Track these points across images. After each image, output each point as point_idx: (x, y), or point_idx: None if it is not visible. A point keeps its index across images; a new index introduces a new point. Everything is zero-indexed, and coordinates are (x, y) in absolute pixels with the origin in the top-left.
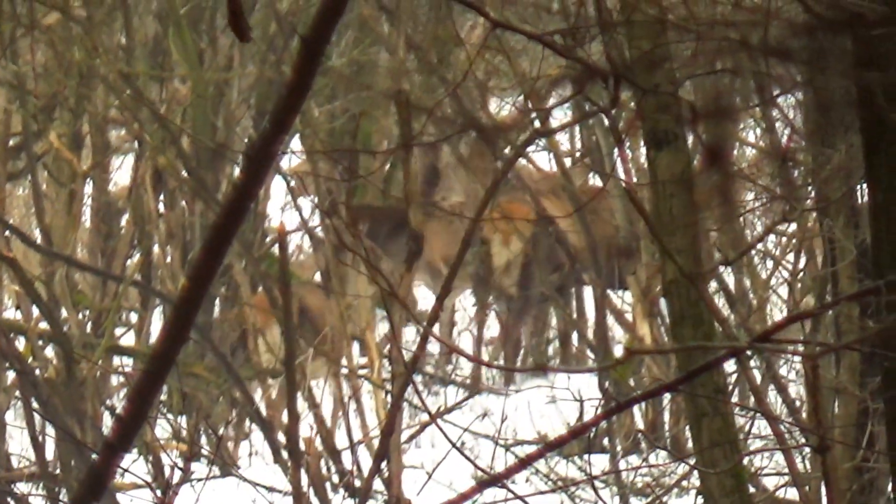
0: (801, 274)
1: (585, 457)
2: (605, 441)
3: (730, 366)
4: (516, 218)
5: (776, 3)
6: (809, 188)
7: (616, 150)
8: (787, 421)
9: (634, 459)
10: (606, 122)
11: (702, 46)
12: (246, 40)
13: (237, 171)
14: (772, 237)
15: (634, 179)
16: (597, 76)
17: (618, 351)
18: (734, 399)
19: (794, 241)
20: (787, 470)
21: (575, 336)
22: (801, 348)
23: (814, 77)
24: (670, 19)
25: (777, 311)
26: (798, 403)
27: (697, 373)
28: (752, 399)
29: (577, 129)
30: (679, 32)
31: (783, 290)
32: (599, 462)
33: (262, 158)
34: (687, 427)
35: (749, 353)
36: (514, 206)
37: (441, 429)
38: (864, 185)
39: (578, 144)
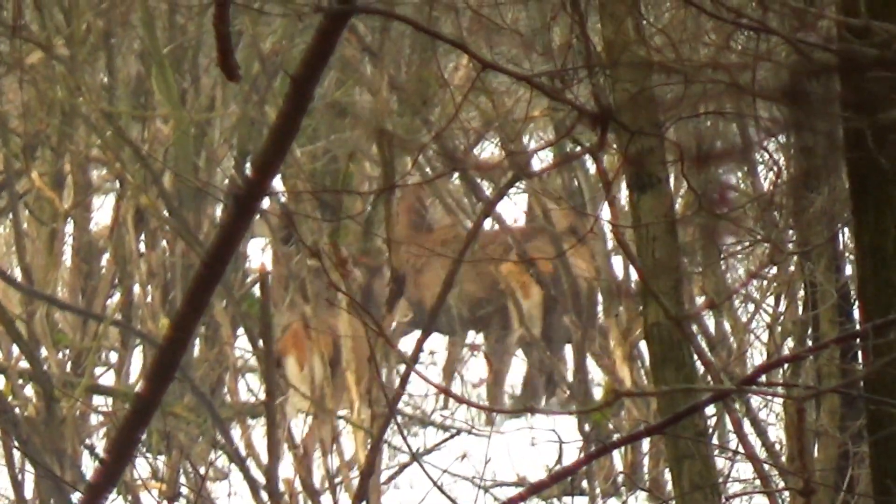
0: (781, 318)
1: (565, 499)
2: (585, 483)
3: (709, 409)
4: (497, 260)
5: (765, 45)
6: (790, 232)
7: (597, 194)
8: (771, 464)
9: (614, 502)
10: (591, 164)
11: (689, 89)
12: (235, 80)
13: (219, 211)
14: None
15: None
16: (585, 118)
17: (597, 394)
18: (713, 442)
19: (774, 284)
20: None
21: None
22: (783, 391)
23: (799, 120)
24: (657, 61)
25: (757, 355)
26: (777, 447)
27: (684, 415)
28: (735, 442)
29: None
30: (666, 75)
31: (763, 334)
32: None
33: (249, 199)
34: (666, 469)
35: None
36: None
37: (423, 468)
38: (846, 229)
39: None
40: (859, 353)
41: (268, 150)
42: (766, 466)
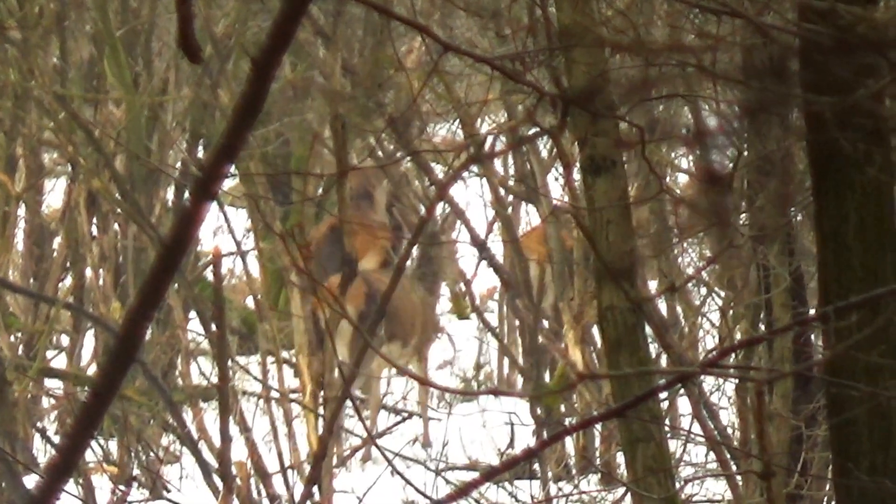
0: (733, 302)
1: (517, 483)
2: (536, 467)
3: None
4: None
5: (728, 28)
6: (743, 216)
7: (548, 177)
8: (732, 447)
9: (565, 486)
10: (543, 148)
11: (648, 72)
12: (197, 62)
13: (171, 195)
14: (702, 264)
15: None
16: (546, 100)
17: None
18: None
19: (726, 268)
20: (719, 497)
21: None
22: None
23: (756, 103)
24: (616, 43)
25: (710, 339)
26: (730, 431)
27: (646, 397)
28: (688, 426)
29: (510, 156)
30: (625, 57)
31: (715, 318)
32: (530, 488)
33: (211, 181)
34: (618, 453)
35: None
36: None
37: (380, 449)
38: (801, 213)
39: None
40: (812, 336)
41: (229, 133)
42: (735, 449)
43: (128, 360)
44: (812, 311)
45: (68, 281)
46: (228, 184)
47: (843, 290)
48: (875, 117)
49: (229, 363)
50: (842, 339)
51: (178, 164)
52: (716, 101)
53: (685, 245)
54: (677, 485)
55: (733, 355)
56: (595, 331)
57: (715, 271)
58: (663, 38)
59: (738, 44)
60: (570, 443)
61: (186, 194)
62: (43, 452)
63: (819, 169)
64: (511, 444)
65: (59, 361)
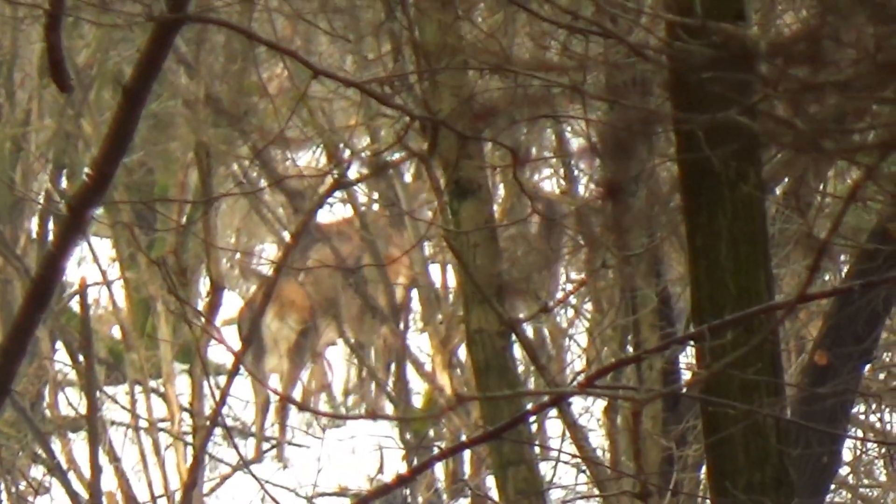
0: (601, 323)
1: None
2: (407, 492)
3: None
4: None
5: (596, 48)
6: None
7: (413, 201)
8: (608, 467)
9: None
10: (407, 171)
11: (514, 93)
12: (68, 91)
13: (35, 225)
14: (567, 286)
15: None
16: (416, 123)
17: (416, 401)
18: (536, 448)
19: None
20: None
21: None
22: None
23: (623, 122)
24: (486, 65)
25: (577, 362)
26: (599, 453)
27: (521, 419)
28: (557, 449)
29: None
30: (492, 77)
31: (582, 339)
32: None
33: (83, 208)
34: (488, 477)
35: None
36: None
37: (254, 475)
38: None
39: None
40: (678, 356)
41: (101, 160)
42: (616, 470)
43: (1, 394)
44: (681, 332)
45: None
46: (94, 213)
47: (716, 309)
48: (747, 134)
49: (97, 393)
50: (716, 358)
51: (42, 195)
52: (586, 119)
53: (554, 267)
54: None
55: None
56: (462, 354)
57: (581, 293)
58: (531, 58)
59: (607, 63)
60: (439, 468)
61: (53, 226)
62: None
63: (691, 187)
64: (381, 470)
65: None
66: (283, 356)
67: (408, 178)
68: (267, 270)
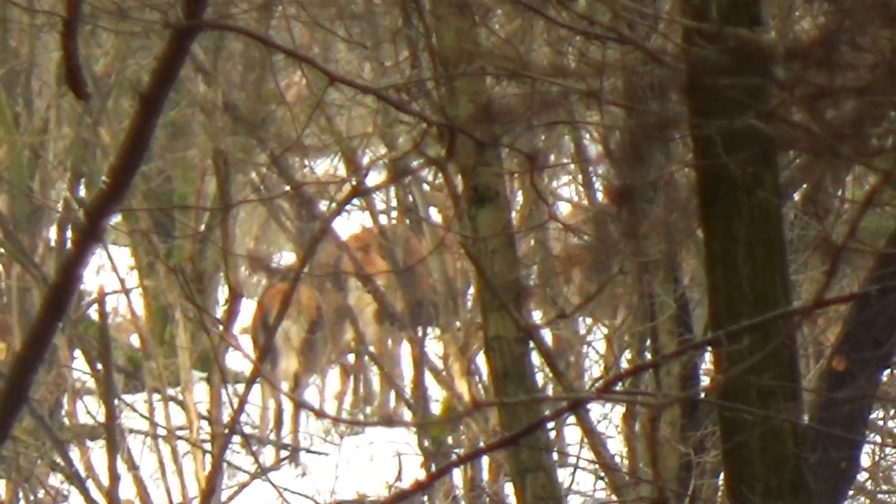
0: (619, 330)
1: None
2: (425, 499)
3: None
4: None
5: (614, 54)
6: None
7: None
8: (627, 473)
9: None
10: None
11: (532, 99)
12: (85, 99)
13: (54, 234)
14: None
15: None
16: (434, 129)
17: (435, 409)
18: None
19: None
20: None
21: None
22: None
23: (641, 127)
24: (503, 71)
25: (596, 368)
26: (618, 459)
27: (539, 425)
28: (576, 455)
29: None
30: (510, 84)
31: (600, 346)
32: None
33: (101, 216)
34: (506, 483)
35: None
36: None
37: (272, 482)
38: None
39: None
40: (697, 362)
41: (118, 168)
42: (607, 478)
43: (18, 402)
44: (699, 337)
45: None
46: (111, 221)
47: (733, 314)
48: (764, 139)
49: (116, 401)
50: (734, 363)
51: (60, 203)
52: (602, 125)
53: (571, 273)
54: None
55: (621, 383)
56: (480, 361)
57: (599, 300)
58: (548, 64)
59: (624, 68)
60: (457, 475)
61: (71, 234)
62: None
63: (708, 192)
64: (399, 477)
65: None
66: (295, 354)
67: (425, 185)
68: (278, 265)
